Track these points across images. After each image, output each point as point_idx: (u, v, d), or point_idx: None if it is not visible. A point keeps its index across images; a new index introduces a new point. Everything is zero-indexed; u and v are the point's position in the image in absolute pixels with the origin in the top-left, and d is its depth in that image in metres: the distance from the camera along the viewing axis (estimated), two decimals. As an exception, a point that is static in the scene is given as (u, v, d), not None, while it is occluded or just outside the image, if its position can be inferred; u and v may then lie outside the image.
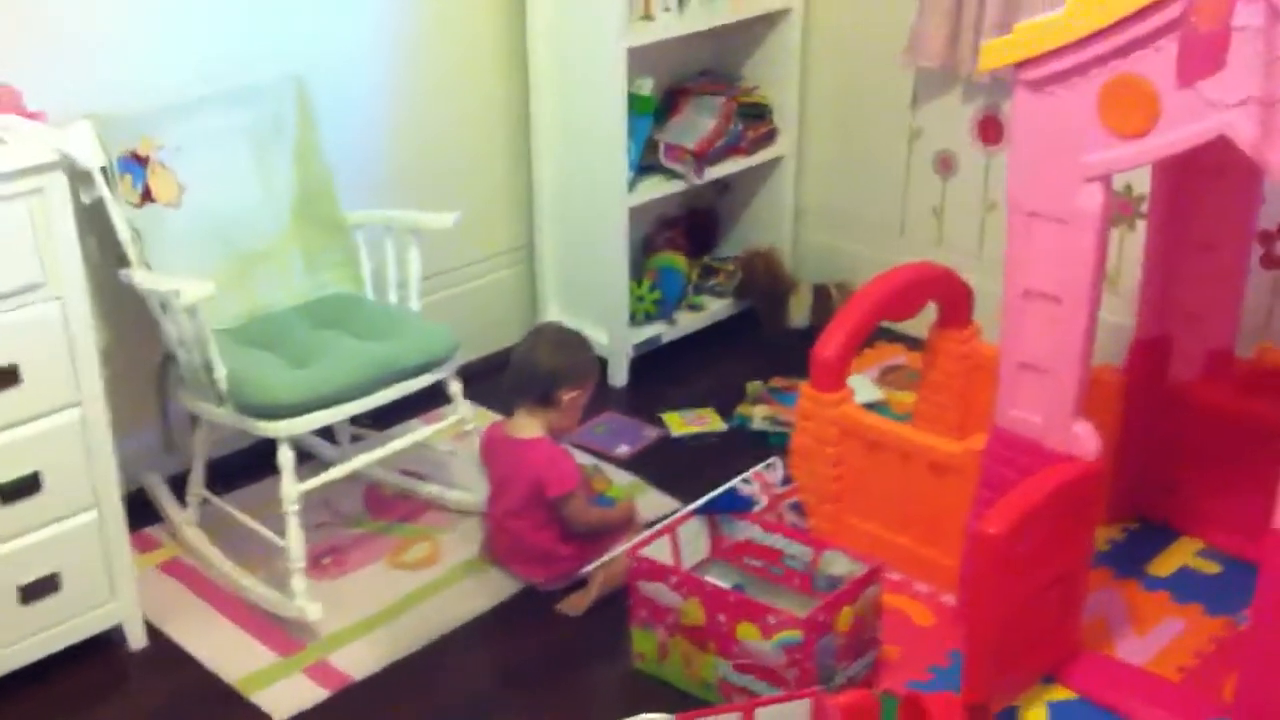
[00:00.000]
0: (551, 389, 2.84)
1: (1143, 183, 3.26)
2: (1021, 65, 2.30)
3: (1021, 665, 2.51)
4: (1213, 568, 2.90)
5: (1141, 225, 3.37)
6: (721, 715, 2.24)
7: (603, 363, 3.71)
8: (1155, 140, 2.21)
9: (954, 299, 3.08)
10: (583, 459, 3.18)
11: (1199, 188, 2.79)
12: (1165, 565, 2.92)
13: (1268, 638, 2.26)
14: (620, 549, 2.77)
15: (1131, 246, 3.44)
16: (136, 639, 2.73)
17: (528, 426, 2.87)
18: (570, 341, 2.93)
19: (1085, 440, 2.46)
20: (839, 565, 2.62)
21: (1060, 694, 2.55)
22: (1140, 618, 2.75)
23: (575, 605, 2.82)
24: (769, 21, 3.92)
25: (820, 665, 2.43)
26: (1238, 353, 2.95)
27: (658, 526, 2.70)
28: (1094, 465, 2.46)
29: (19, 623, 2.54)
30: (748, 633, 2.45)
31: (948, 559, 2.79)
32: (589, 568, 2.83)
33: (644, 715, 2.43)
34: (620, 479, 3.24)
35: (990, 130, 3.71)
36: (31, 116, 2.60)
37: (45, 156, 2.37)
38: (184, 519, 3.05)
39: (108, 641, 2.70)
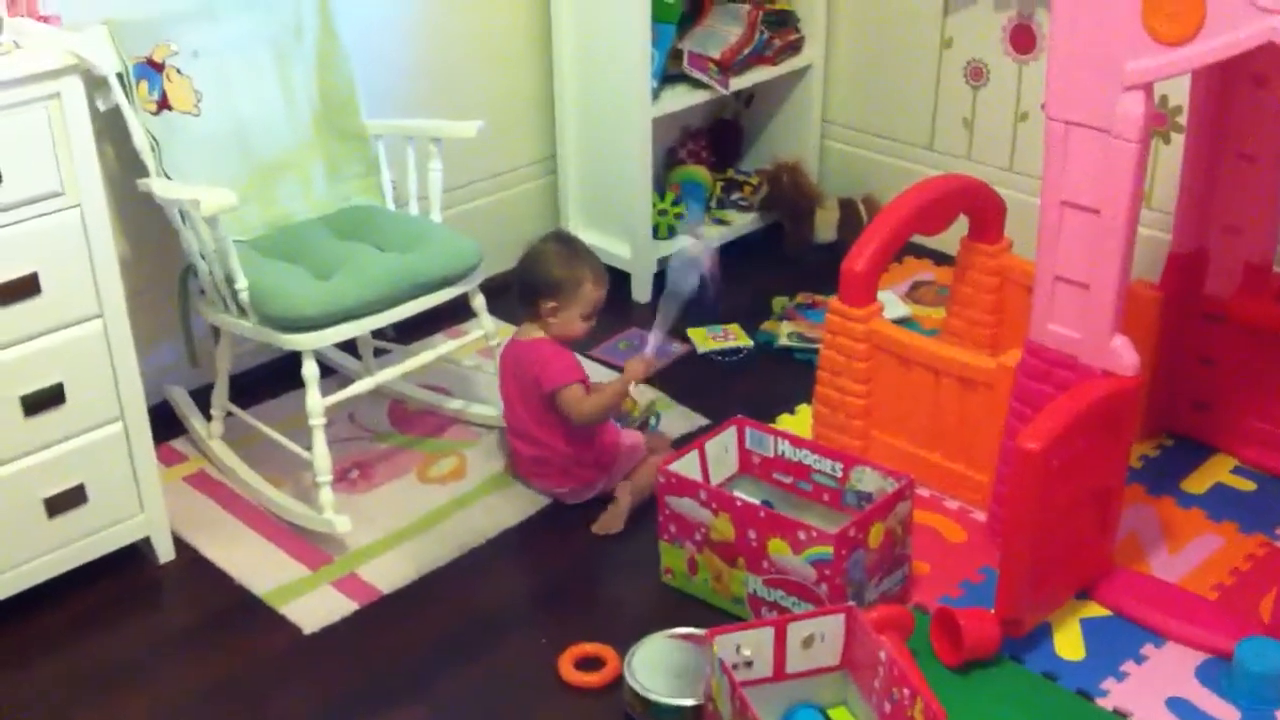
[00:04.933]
0: (533, 299, 2.84)
1: (1178, 94, 3.19)
2: (1063, -32, 2.23)
3: (1055, 581, 2.49)
4: (1247, 485, 2.88)
5: (1177, 138, 3.31)
6: (753, 630, 2.22)
7: (625, 277, 3.68)
8: (1199, 46, 2.15)
9: (986, 212, 3.02)
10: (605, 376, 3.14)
11: (1239, 97, 2.73)
12: (1199, 482, 2.89)
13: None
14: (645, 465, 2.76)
15: (1167, 159, 3.38)
16: (165, 551, 2.72)
17: (530, 331, 2.88)
18: (558, 253, 2.87)
19: (1123, 355, 2.42)
20: (868, 481, 2.60)
21: (1094, 610, 2.54)
22: (1174, 535, 2.73)
23: (609, 525, 2.80)
24: (796, -75, 3.83)
25: (851, 581, 2.41)
26: (1276, 267, 2.89)
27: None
28: (1132, 380, 2.42)
29: (46, 536, 2.54)
30: (778, 548, 2.44)
31: (979, 475, 2.77)
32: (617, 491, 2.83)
33: (673, 629, 2.44)
34: (645, 395, 3.20)
35: (1023, 39, 3.62)
36: (45, 20, 2.54)
37: (61, 61, 2.32)
38: (209, 432, 3.03)
39: (136, 554, 2.70)
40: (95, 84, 2.64)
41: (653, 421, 3.07)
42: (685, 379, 3.32)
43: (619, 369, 3.30)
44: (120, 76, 2.70)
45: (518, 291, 2.89)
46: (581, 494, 2.86)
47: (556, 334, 2.86)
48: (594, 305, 2.88)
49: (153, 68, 2.79)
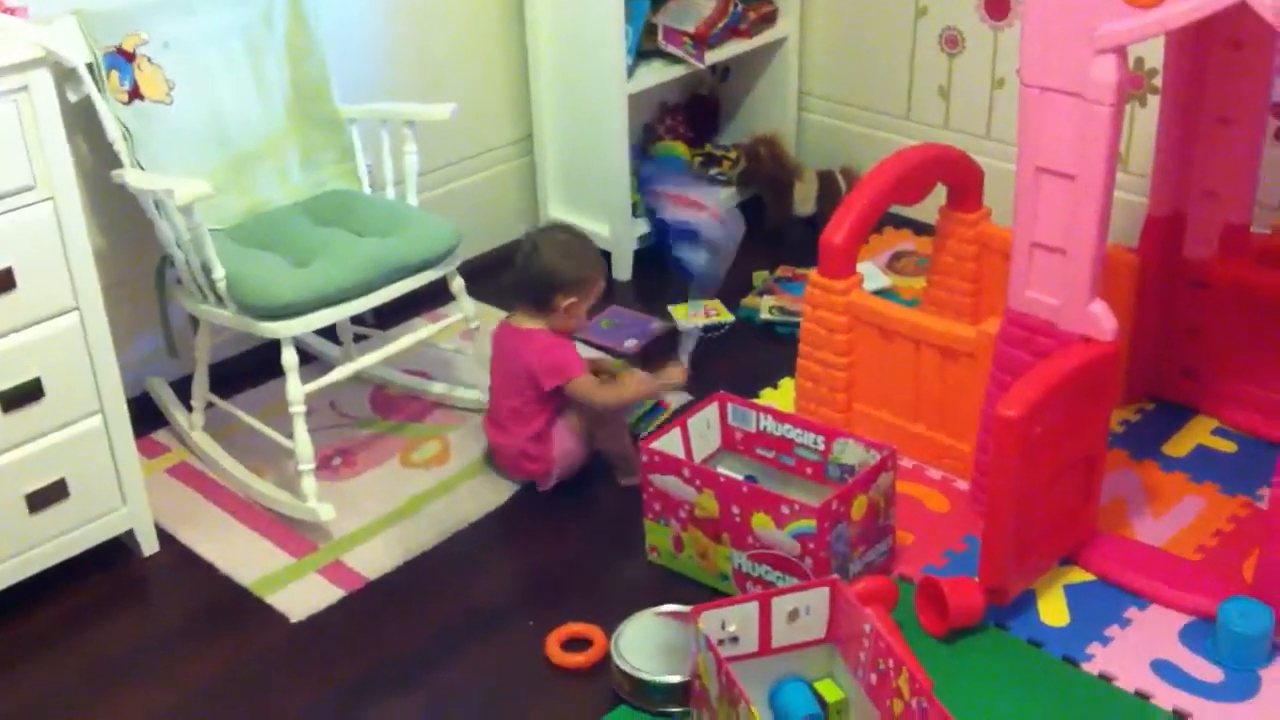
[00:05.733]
0: (549, 294, 2.77)
1: (1154, 56, 3.19)
2: (1034, -66, 2.23)
3: (1039, 548, 2.50)
4: (1229, 446, 2.89)
5: (1153, 100, 3.30)
6: (738, 605, 2.23)
7: (606, 256, 3.66)
8: (1172, 9, 2.14)
9: (963, 181, 3.02)
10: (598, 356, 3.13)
11: (1214, 60, 2.72)
12: (1181, 445, 2.90)
13: (1288, 515, 2.25)
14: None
15: (1143, 122, 3.38)
16: (149, 544, 2.72)
17: (524, 321, 2.83)
18: (572, 246, 2.83)
19: (1102, 320, 2.42)
20: (851, 454, 2.60)
21: (1078, 576, 2.55)
22: (1157, 498, 2.74)
23: (630, 475, 2.81)
24: (768, -103, 3.81)
25: (835, 553, 2.42)
26: (1253, 229, 2.90)
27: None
28: (1111, 346, 2.43)
29: (28, 531, 2.53)
30: (762, 523, 2.44)
31: (961, 444, 2.77)
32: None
33: (660, 607, 2.44)
34: (680, 397, 3.17)
35: (997, 5, 3.61)
36: (12, 13, 2.52)
37: (30, 53, 2.31)
38: (190, 423, 3.02)
39: (120, 548, 2.70)
40: (65, 75, 2.62)
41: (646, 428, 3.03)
42: (667, 356, 3.30)
43: (602, 348, 3.31)
44: (90, 67, 2.68)
45: (527, 286, 2.80)
46: (543, 481, 2.85)
47: (560, 326, 2.82)
48: (598, 297, 2.88)
49: (123, 57, 2.77)
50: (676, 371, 2.88)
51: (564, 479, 2.86)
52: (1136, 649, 2.38)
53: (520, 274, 2.82)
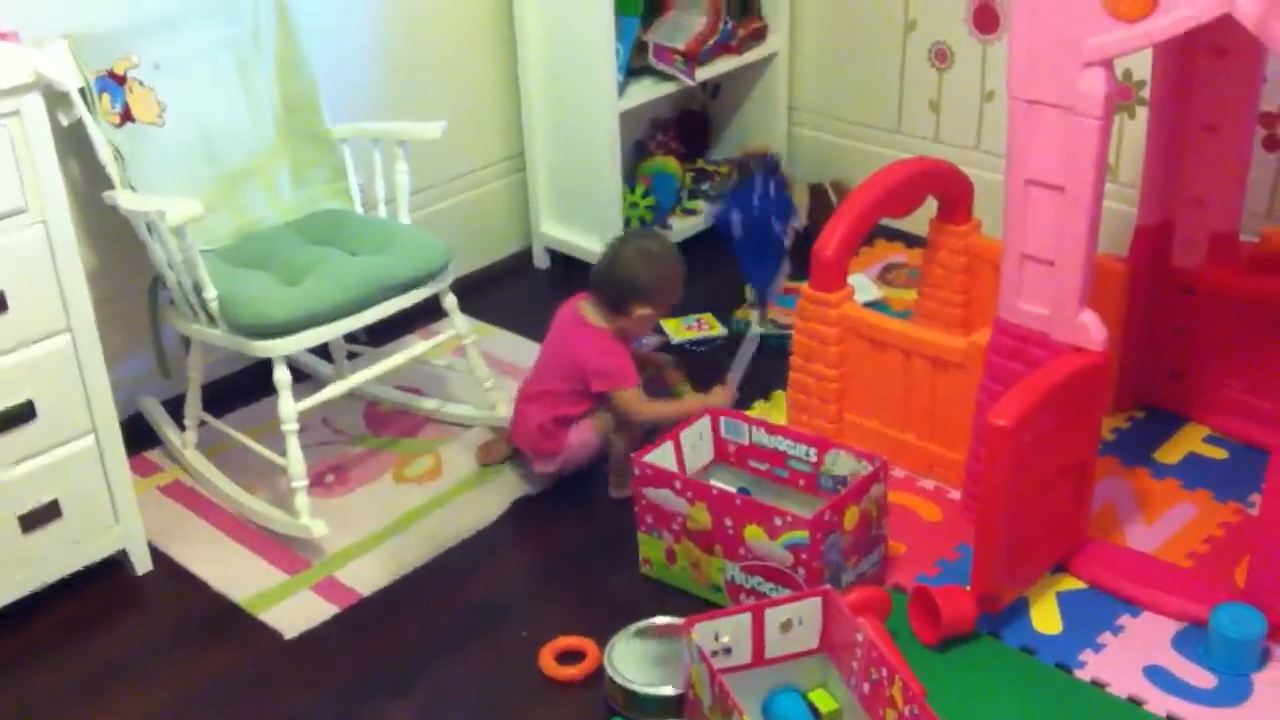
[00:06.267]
0: (626, 299, 2.78)
1: (1142, 68, 3.20)
2: (1019, -53, 2.24)
3: (1031, 556, 2.50)
4: (1219, 453, 2.89)
5: (1141, 111, 3.32)
6: (731, 616, 2.23)
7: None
8: (1158, 21, 2.16)
9: (953, 193, 3.03)
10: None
11: (1201, 70, 2.73)
12: (1172, 452, 2.90)
13: (1279, 521, 2.25)
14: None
15: (1132, 133, 3.39)
16: (142, 563, 2.72)
17: (594, 316, 2.84)
18: (659, 258, 2.83)
19: (1091, 330, 2.43)
20: (843, 465, 2.61)
21: (1070, 584, 2.55)
22: (1149, 505, 2.74)
23: (621, 487, 2.83)
24: (756, -87, 3.83)
25: (828, 564, 2.42)
26: (1241, 237, 2.91)
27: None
28: (1101, 355, 2.43)
29: (22, 551, 2.53)
30: (754, 534, 2.44)
31: (953, 454, 2.78)
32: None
33: (653, 619, 2.44)
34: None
35: (986, 19, 3.63)
36: (3, 37, 2.53)
37: (21, 78, 2.32)
38: (183, 442, 3.03)
39: (113, 567, 2.70)
40: (57, 99, 2.63)
41: None
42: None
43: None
44: (82, 90, 2.69)
45: (605, 285, 2.80)
46: (544, 461, 2.86)
47: (626, 331, 2.82)
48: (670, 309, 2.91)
49: (115, 80, 2.78)
50: (723, 394, 2.89)
51: (565, 472, 2.86)
52: (1129, 655, 2.38)
53: (601, 272, 2.83)
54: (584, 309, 2.85)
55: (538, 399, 2.85)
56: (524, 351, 3.29)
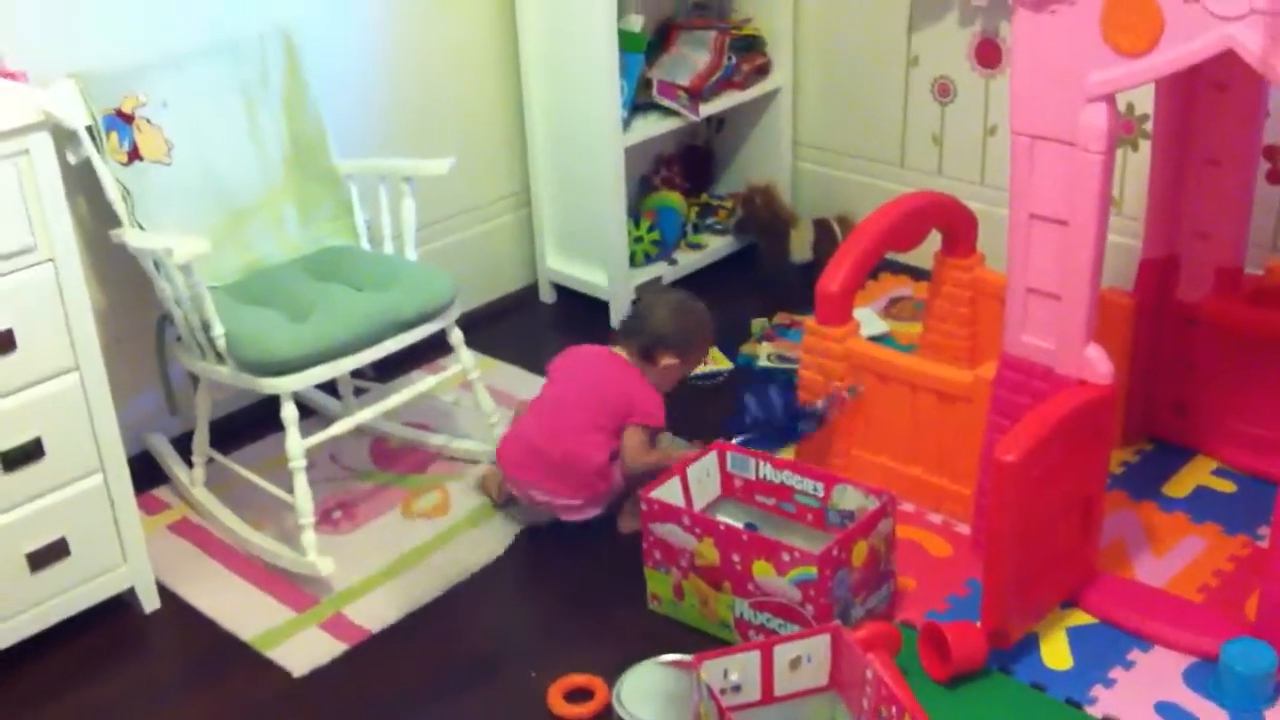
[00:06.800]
0: (654, 347, 2.87)
1: (1145, 102, 3.21)
2: (1021, -16, 2.26)
3: (1041, 591, 2.50)
4: (1228, 486, 2.89)
5: (1145, 145, 3.33)
6: (740, 653, 2.22)
7: (604, 306, 3.69)
8: (1160, 57, 2.17)
9: (958, 227, 3.04)
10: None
11: (1203, 104, 2.75)
12: (1181, 486, 2.90)
13: (1288, 554, 2.25)
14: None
15: (1135, 166, 3.40)
16: (149, 601, 2.72)
17: (629, 357, 2.91)
18: (690, 311, 2.93)
19: (1098, 364, 2.43)
20: (851, 499, 2.60)
21: (1080, 618, 2.54)
22: (1158, 539, 2.74)
23: (631, 523, 2.83)
24: (759, -49, 3.86)
25: (837, 600, 2.42)
26: (1246, 269, 2.91)
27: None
28: (1108, 389, 2.44)
29: (30, 590, 2.53)
30: (763, 570, 2.44)
31: (960, 488, 2.77)
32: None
33: (662, 656, 2.43)
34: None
35: (988, 53, 3.65)
36: (12, 77, 2.55)
37: (29, 117, 2.33)
38: (191, 479, 3.03)
39: (121, 605, 2.70)
40: (65, 137, 2.65)
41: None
42: (667, 404, 3.31)
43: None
44: (90, 129, 2.71)
45: (634, 331, 2.90)
46: (584, 509, 2.85)
47: (653, 380, 2.90)
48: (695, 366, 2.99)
49: (122, 119, 2.80)
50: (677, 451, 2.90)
51: (594, 516, 2.86)
52: (1140, 691, 2.37)
53: (635, 318, 2.94)
54: (618, 348, 2.92)
55: (586, 437, 2.81)
56: (530, 386, 3.29)
